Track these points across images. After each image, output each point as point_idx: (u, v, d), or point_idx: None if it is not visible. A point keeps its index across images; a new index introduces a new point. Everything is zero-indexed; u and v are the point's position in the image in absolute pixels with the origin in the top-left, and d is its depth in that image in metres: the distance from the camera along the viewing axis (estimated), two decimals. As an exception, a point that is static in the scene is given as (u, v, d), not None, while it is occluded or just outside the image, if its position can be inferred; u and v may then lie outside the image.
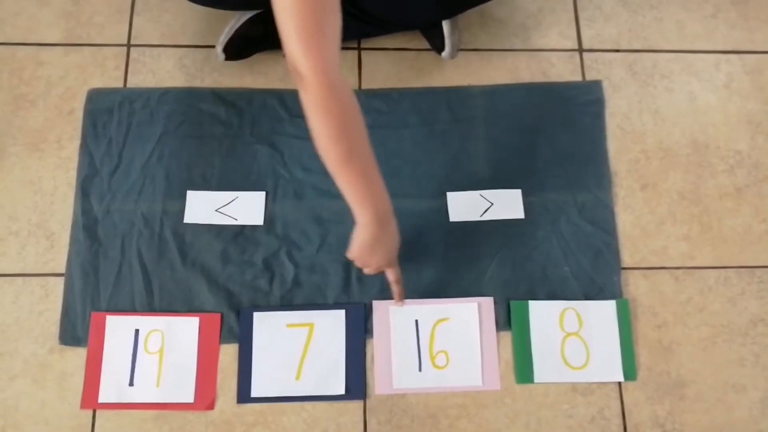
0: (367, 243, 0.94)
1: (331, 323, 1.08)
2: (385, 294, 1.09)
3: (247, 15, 1.19)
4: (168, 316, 1.08)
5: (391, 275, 1.02)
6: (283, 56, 1.22)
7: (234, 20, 1.19)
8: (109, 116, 1.19)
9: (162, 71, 1.23)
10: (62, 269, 1.11)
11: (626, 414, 1.07)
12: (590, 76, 1.26)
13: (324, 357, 1.07)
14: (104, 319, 1.07)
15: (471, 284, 1.11)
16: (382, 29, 1.23)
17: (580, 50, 1.28)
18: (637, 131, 1.23)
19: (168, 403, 1.04)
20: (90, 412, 1.04)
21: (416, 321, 1.09)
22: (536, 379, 1.07)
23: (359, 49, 1.26)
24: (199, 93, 1.22)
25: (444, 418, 1.05)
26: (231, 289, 1.10)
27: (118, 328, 1.07)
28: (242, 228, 1.13)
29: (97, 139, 1.18)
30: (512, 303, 1.10)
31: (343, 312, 1.09)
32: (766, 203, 1.19)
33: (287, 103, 1.21)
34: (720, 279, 1.14)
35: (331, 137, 0.85)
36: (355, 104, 0.86)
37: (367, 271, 1.02)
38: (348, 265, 1.11)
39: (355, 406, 1.06)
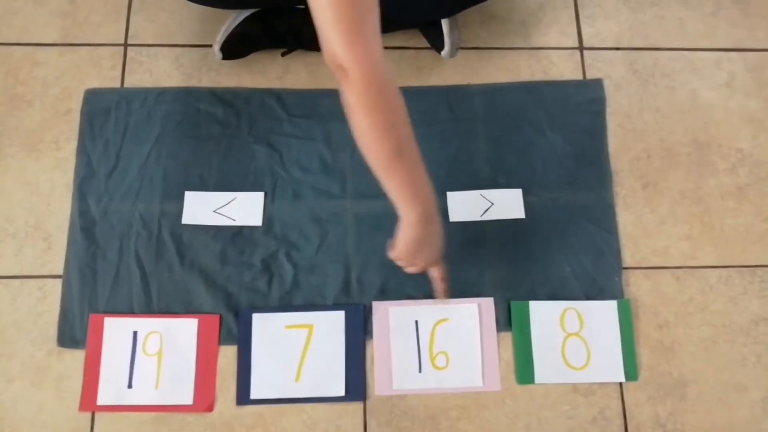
0: (414, 242, 0.90)
1: (331, 324, 1.08)
2: (385, 295, 1.09)
3: (244, 14, 1.18)
4: (166, 318, 1.07)
5: (436, 273, 0.99)
6: (282, 54, 1.24)
7: (231, 19, 1.18)
8: (106, 116, 1.18)
9: (159, 71, 1.22)
10: (60, 271, 1.10)
11: (627, 414, 1.06)
12: (591, 75, 1.25)
13: (323, 358, 1.06)
14: (102, 321, 1.07)
15: (471, 284, 1.11)
16: (381, 28, 1.21)
17: (581, 48, 1.28)
18: (638, 130, 1.22)
19: (167, 405, 1.04)
20: (88, 415, 1.03)
21: (416, 322, 1.09)
22: (537, 380, 1.07)
23: (358, 47, 1.25)
24: (196, 93, 1.21)
25: (444, 419, 1.05)
26: (229, 291, 1.09)
27: (116, 330, 1.06)
28: (240, 229, 1.12)
29: (94, 140, 1.17)
30: (513, 303, 1.09)
31: (342, 313, 1.08)
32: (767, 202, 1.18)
33: (285, 102, 1.20)
34: (721, 278, 1.13)
35: (380, 134, 0.80)
36: (402, 98, 0.81)
37: (411, 270, 0.98)
38: (347, 265, 1.11)
39: (355, 407, 1.05)
